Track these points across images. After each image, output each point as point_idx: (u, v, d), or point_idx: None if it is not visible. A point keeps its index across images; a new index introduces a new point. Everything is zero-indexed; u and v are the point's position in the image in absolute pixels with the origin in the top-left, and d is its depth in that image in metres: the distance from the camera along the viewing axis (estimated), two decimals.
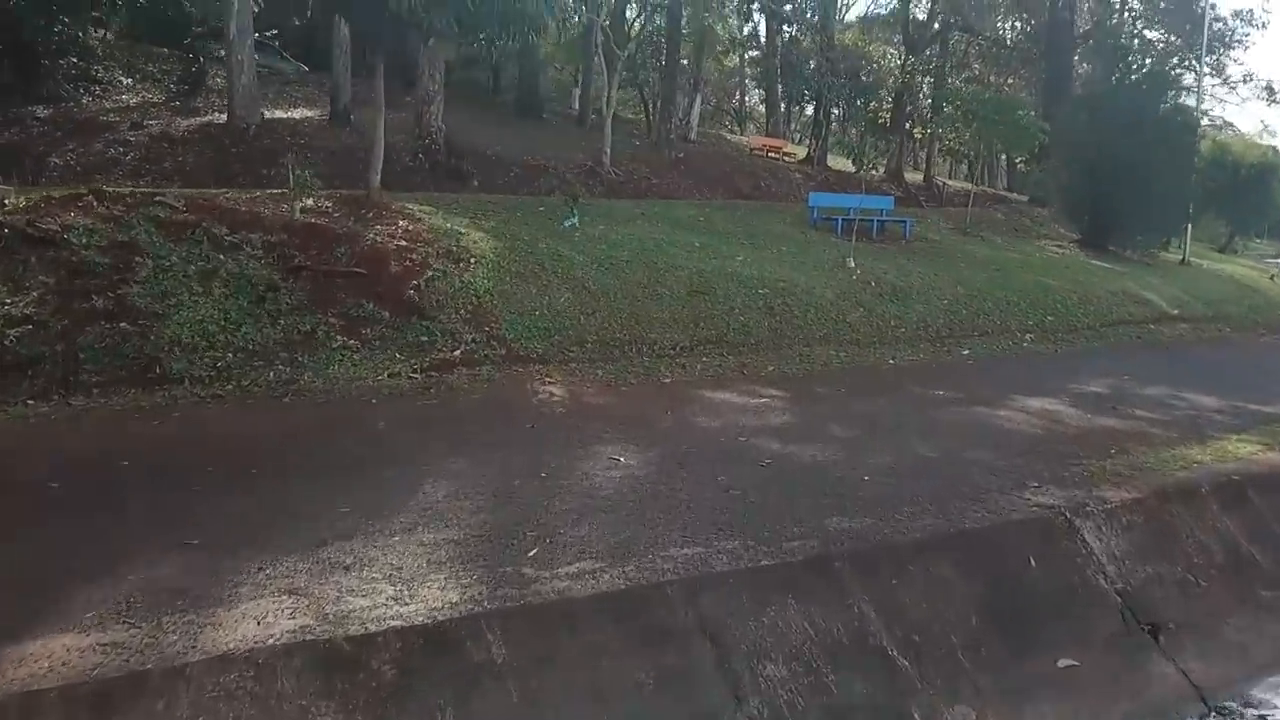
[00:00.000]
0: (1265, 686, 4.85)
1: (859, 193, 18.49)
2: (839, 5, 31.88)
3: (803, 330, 10.76)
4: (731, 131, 35.55)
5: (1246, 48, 51.49)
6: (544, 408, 7.35)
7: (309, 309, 8.44)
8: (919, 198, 23.44)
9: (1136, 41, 28.92)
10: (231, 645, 3.32)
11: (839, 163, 26.75)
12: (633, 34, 23.18)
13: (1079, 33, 27.47)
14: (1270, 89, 33.10)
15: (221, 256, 8.65)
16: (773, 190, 21.47)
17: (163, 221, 8.79)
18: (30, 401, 6.56)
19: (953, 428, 7.31)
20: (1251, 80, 36.21)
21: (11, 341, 6.92)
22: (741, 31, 31.30)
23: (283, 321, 8.19)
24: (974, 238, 18.52)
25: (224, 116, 16.72)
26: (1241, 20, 34.52)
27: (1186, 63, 28.93)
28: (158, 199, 9.26)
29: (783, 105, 32.15)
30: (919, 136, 28.54)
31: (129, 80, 19.37)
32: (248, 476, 5.28)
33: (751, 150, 25.79)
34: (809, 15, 28.86)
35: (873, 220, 16.52)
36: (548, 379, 8.21)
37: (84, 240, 8.04)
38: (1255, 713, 4.66)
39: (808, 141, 28.60)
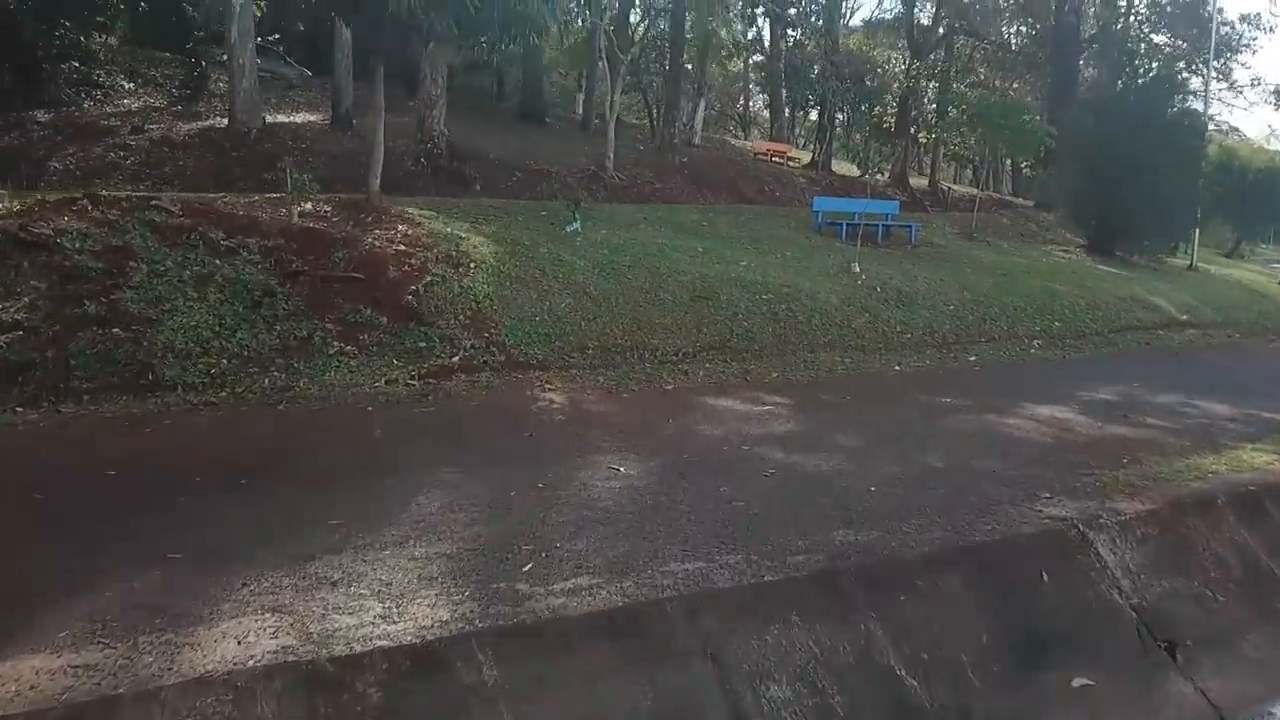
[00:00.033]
0: None
1: (864, 198, 18.35)
2: (843, 10, 31.78)
3: (807, 336, 10.60)
4: (736, 136, 35.49)
5: (1254, 51, 51.32)
6: (543, 415, 7.21)
7: (305, 314, 8.32)
8: (924, 203, 23.30)
9: (1143, 46, 28.75)
10: (210, 667, 3.18)
11: (843, 168, 26.67)
12: (636, 38, 23.15)
13: (1084, 37, 27.33)
14: (1278, 93, 32.89)
15: (217, 261, 8.53)
16: (777, 195, 21.35)
17: (158, 226, 8.69)
18: (19, 409, 6.44)
19: (960, 436, 7.15)
20: (1259, 84, 36.03)
21: (1, 348, 6.80)
22: (745, 36, 31.25)
23: (279, 327, 8.07)
24: (980, 243, 18.37)
25: (225, 121, 16.68)
26: (1249, 24, 34.40)
27: (1193, 67, 28.75)
28: (153, 203, 9.16)
29: (787, 110, 32.08)
30: (924, 141, 28.44)
31: (131, 85, 19.35)
32: (237, 487, 5.14)
33: (756, 155, 25.68)
34: (813, 20, 28.77)
35: (878, 225, 16.38)
36: (548, 386, 8.07)
37: (77, 245, 7.93)
38: None
39: (812, 146, 28.50)
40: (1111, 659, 4.66)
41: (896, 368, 9.98)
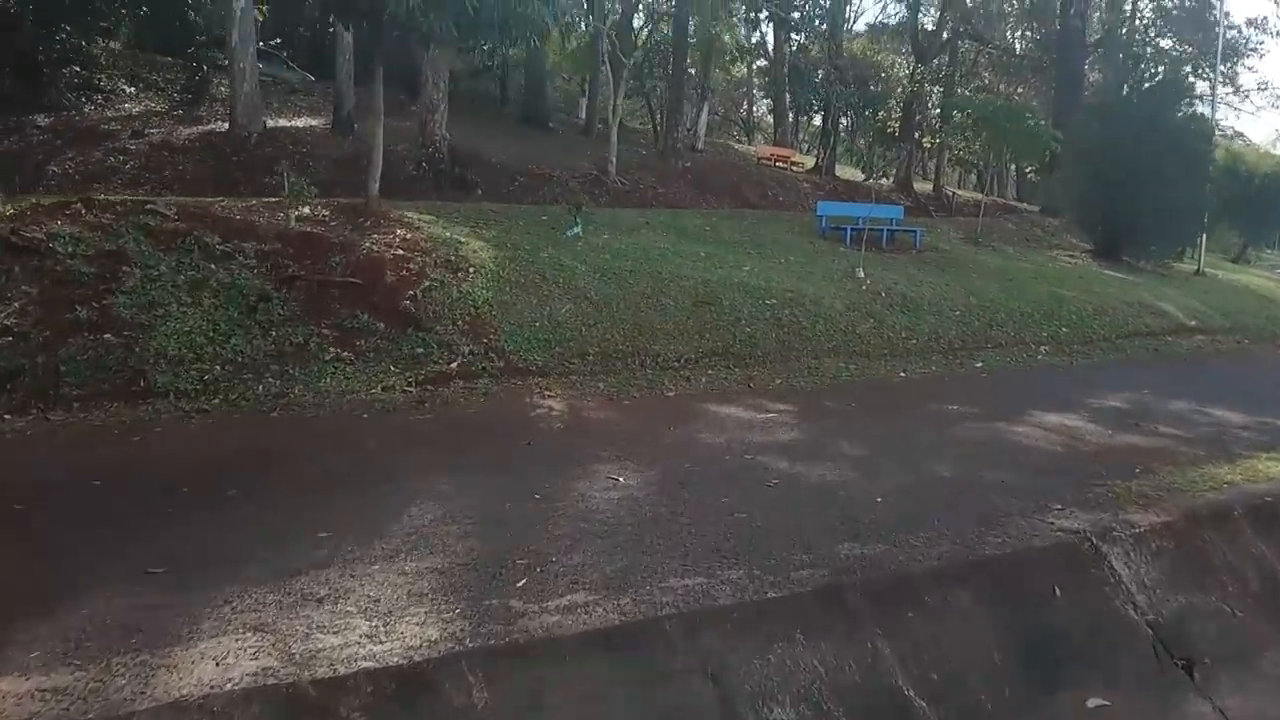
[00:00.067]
0: None
1: (868, 202, 18.20)
2: (847, 14, 31.69)
3: (811, 342, 10.45)
4: (739, 141, 35.40)
5: (1261, 56, 51.12)
6: (542, 423, 7.06)
7: (301, 320, 8.19)
8: (928, 207, 23.16)
9: (1149, 50, 28.61)
10: (185, 691, 3.02)
11: (847, 172, 26.53)
12: (640, 42, 23.05)
13: (1090, 41, 27.18)
14: None
15: (212, 266, 8.41)
16: (780, 200, 21.23)
17: (152, 230, 8.57)
18: (7, 416, 6.32)
19: (968, 445, 6.99)
20: (1266, 89, 35.87)
21: None
22: (749, 40, 31.14)
23: (274, 333, 7.94)
24: (985, 248, 18.21)
25: (226, 125, 16.60)
26: (1256, 28, 34.26)
27: (1199, 71, 28.60)
28: (148, 207, 9.05)
29: (791, 115, 31.96)
30: (928, 146, 28.29)
31: (132, 89, 19.31)
32: (224, 498, 5.00)
33: (759, 160, 25.58)
34: (817, 24, 28.66)
35: (882, 230, 16.23)
36: (547, 392, 7.92)
37: (69, 249, 7.81)
38: None
39: (816, 151, 28.38)
40: (1127, 678, 4.49)
41: (902, 374, 9.82)
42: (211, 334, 7.63)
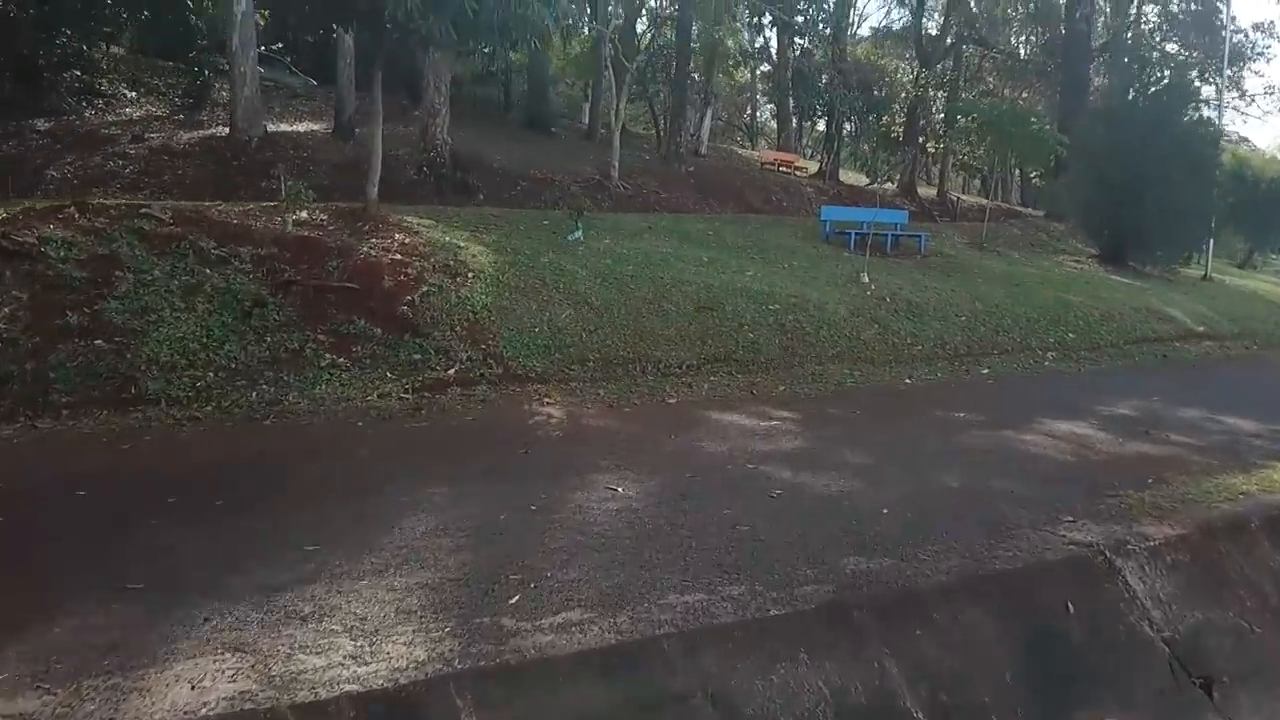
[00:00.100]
0: None
1: (872, 207, 18.05)
2: (851, 19, 31.58)
3: (815, 348, 10.30)
4: (743, 146, 35.24)
5: (1268, 60, 50.93)
6: (540, 431, 6.92)
7: (297, 325, 8.06)
8: (933, 212, 23.02)
9: (1155, 54, 28.45)
10: (157, 717, 2.88)
11: (851, 177, 26.39)
12: (643, 47, 22.94)
13: (1095, 45, 27.04)
14: None
15: (207, 270, 8.29)
16: (784, 205, 21.10)
17: (147, 234, 8.45)
18: None
19: (976, 453, 6.83)
20: (1273, 93, 35.70)
21: None
22: (753, 45, 31.01)
23: (269, 339, 7.81)
24: (990, 253, 18.05)
25: (226, 129, 16.50)
26: (1262, 32, 34.04)
27: (1205, 76, 28.42)
28: (143, 211, 8.93)
29: (794, 119, 31.82)
30: (932, 151, 28.14)
31: (133, 94, 19.19)
32: (211, 509, 4.86)
33: (763, 164, 25.44)
34: (821, 29, 28.55)
35: (887, 235, 16.08)
36: (546, 399, 7.78)
37: (61, 253, 7.69)
38: None
39: (819, 156, 28.24)
40: (1144, 697, 4.33)
41: (907, 381, 9.67)
42: (205, 340, 7.50)
